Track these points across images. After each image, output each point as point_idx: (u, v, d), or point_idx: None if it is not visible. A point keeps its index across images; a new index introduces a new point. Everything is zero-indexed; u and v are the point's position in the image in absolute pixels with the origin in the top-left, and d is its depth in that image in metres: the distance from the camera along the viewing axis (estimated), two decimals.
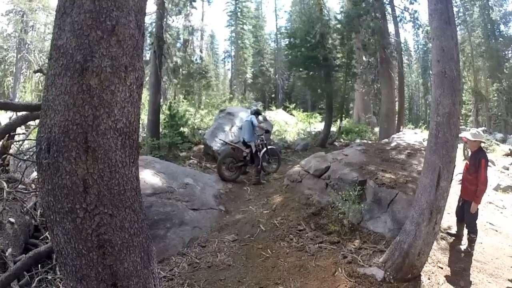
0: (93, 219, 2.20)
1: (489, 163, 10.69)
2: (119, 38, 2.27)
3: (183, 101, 21.01)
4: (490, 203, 8.24)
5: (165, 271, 5.23)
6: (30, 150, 6.75)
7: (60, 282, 4.37)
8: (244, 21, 44.46)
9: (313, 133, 19.05)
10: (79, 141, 2.14)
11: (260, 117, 10.69)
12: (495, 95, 31.93)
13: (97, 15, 2.20)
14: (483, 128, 24.79)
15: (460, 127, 17.37)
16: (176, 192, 7.07)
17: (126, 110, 2.30)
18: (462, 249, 5.90)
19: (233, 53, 47.50)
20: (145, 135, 14.65)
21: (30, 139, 7.02)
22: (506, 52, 30.06)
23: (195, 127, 17.25)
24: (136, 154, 2.45)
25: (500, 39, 30.68)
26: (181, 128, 15.30)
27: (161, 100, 18.04)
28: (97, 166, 2.19)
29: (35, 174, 6.52)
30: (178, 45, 20.61)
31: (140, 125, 17.54)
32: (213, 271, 5.28)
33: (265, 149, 10.43)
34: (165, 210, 6.37)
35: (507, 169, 11.84)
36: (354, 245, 5.88)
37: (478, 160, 5.82)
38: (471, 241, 5.84)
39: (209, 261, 5.55)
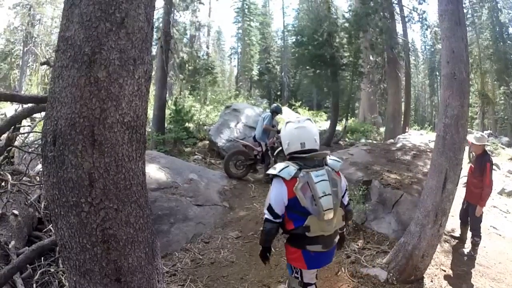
0: (98, 213, 2.17)
1: (494, 167, 10.64)
2: (128, 31, 2.25)
3: (188, 97, 21.03)
4: (494, 207, 8.23)
5: (168, 267, 5.22)
6: (35, 142, 6.74)
7: (62, 275, 4.36)
8: (251, 18, 44.43)
9: (318, 131, 19.00)
10: (86, 134, 2.11)
11: (278, 117, 10.31)
12: (502, 98, 31.74)
13: (106, 7, 2.17)
14: (489, 131, 24.68)
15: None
16: (181, 188, 7.06)
17: (134, 104, 2.28)
18: (465, 253, 5.89)
19: (239, 50, 47.53)
20: (150, 129, 14.66)
21: (36, 132, 7.01)
22: None
23: (200, 123, 17.26)
24: (143, 148, 2.42)
25: (508, 42, 30.45)
26: (186, 124, 15.31)
27: (167, 95, 18.06)
28: (104, 160, 2.16)
29: (39, 166, 6.52)
30: (185, 40, 20.65)
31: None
32: (216, 267, 5.28)
33: (280, 148, 10.24)
34: (169, 205, 6.36)
35: None
36: (358, 245, 5.87)
37: (483, 163, 5.81)
38: (475, 245, 5.83)
39: (212, 257, 5.55)
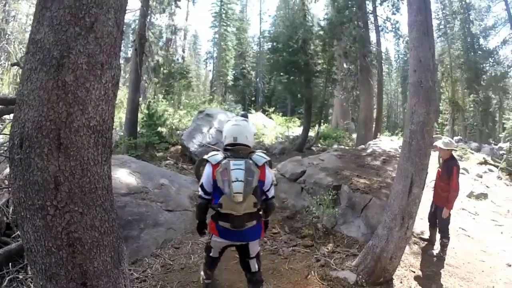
0: (63, 216, 2.18)
1: (463, 171, 10.93)
2: (97, 35, 2.27)
3: (162, 101, 20.88)
4: (463, 209, 8.46)
5: (138, 273, 5.15)
6: (4, 145, 6.60)
7: (31, 282, 4.28)
8: (228, 23, 44.55)
9: (291, 137, 19.14)
10: (52, 137, 2.12)
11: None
12: (471, 105, 32.67)
13: (76, 11, 2.19)
14: (459, 137, 25.34)
15: (437, 135, 17.73)
16: (151, 193, 6.97)
17: (100, 108, 2.29)
18: (435, 254, 6.06)
19: (215, 55, 47.38)
20: (122, 133, 14.49)
21: (5, 134, 6.86)
22: (484, 65, 30.77)
23: (173, 127, 17.17)
24: (108, 152, 2.43)
25: (479, 52, 31.35)
26: (159, 128, 15.24)
27: (141, 98, 17.90)
28: (69, 164, 2.17)
29: (8, 170, 6.38)
30: (161, 43, 20.53)
31: (118, 123, 17.36)
32: (186, 273, 5.24)
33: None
34: (139, 211, 6.28)
35: (481, 176, 12.10)
36: (328, 248, 5.95)
37: (450, 167, 5.99)
38: (444, 246, 6.01)
39: (183, 263, 5.51)
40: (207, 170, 3.62)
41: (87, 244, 2.28)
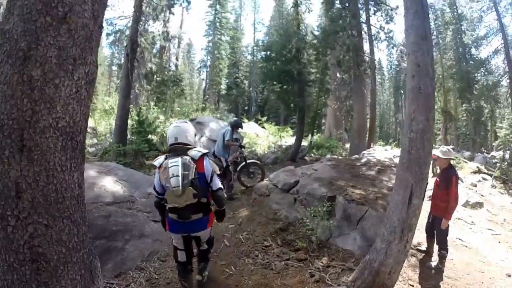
0: (25, 228, 1.95)
1: (459, 180, 10.84)
2: (70, 27, 2.06)
3: (153, 108, 20.71)
4: (459, 219, 8.38)
5: (121, 287, 4.91)
6: None
7: None
8: (222, 31, 45.00)
9: (284, 147, 19.08)
10: (14, 138, 1.90)
11: (240, 131, 9.91)
12: (464, 115, 33.18)
13: (49, 0, 1.98)
14: (452, 146, 25.47)
15: None
16: (138, 202, 6.72)
17: (70, 108, 2.07)
18: (433, 266, 5.90)
19: (208, 63, 47.54)
20: (112, 140, 14.23)
21: None
22: (476, 75, 31.18)
23: (164, 135, 16.93)
24: (80, 158, 2.20)
25: (471, 62, 31.82)
26: (149, 136, 15.02)
27: (132, 105, 17.70)
28: (32, 169, 1.95)
29: None
30: (154, 51, 20.43)
31: (108, 130, 17.09)
32: (173, 287, 5.01)
33: (244, 163, 10.00)
34: (124, 221, 6.02)
35: (475, 185, 12.23)
36: (322, 262, 5.72)
37: (449, 177, 5.86)
38: (442, 258, 5.84)
39: (169, 277, 5.27)
40: (156, 173, 4.13)
41: (52, 261, 2.05)
